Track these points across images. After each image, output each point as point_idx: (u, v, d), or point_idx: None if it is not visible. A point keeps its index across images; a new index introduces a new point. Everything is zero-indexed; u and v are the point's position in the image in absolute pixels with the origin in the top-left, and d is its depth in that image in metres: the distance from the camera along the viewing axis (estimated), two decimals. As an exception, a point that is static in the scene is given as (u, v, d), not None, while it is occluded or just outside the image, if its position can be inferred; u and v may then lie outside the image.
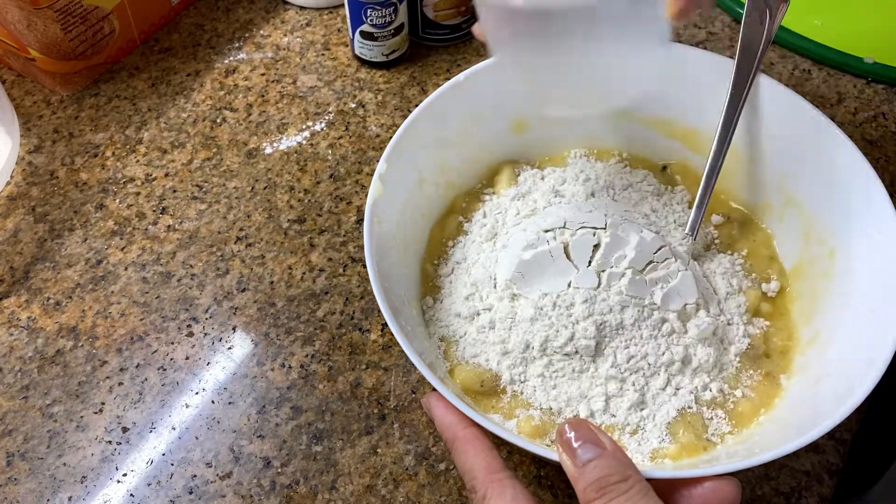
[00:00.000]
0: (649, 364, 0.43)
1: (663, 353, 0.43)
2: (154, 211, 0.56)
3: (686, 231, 0.48)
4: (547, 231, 0.45)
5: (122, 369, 0.48)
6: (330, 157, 0.58)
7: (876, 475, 0.50)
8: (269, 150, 0.59)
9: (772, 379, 0.44)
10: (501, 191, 0.51)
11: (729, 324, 0.46)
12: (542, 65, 0.35)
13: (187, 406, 0.47)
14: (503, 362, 0.43)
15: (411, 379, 0.48)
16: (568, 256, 0.44)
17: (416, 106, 0.47)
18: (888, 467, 0.50)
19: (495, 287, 0.45)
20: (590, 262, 0.43)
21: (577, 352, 0.42)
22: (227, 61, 0.64)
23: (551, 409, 0.43)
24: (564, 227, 0.44)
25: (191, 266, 0.53)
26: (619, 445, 0.35)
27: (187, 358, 0.49)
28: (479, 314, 0.45)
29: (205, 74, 0.63)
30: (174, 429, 0.46)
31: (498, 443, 0.37)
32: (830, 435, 0.42)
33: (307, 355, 0.49)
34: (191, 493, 0.44)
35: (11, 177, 0.57)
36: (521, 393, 0.43)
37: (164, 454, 0.46)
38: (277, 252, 0.53)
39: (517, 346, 0.43)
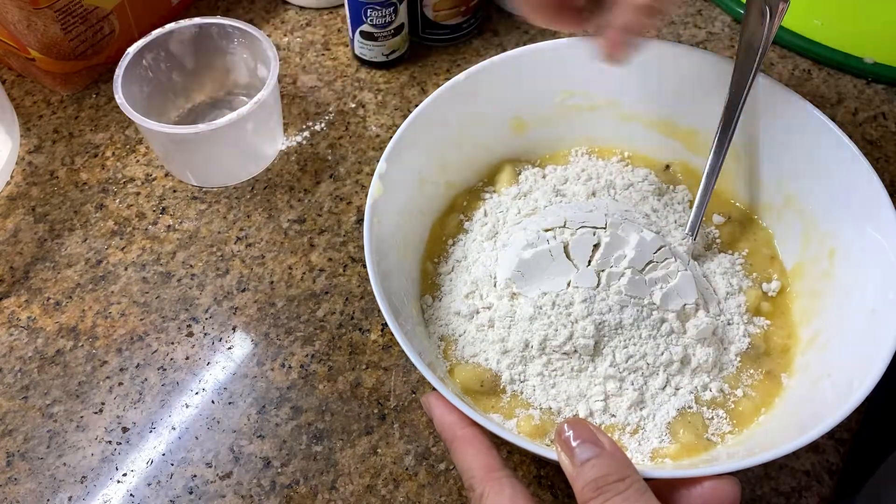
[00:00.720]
0: (648, 364, 0.43)
1: (662, 353, 0.43)
2: (154, 211, 0.56)
3: (686, 231, 0.48)
4: (547, 230, 0.45)
5: (122, 369, 0.49)
6: (330, 157, 0.58)
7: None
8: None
9: (773, 378, 0.44)
10: (502, 189, 0.51)
11: (729, 323, 0.46)
12: (186, 160, 0.56)
13: (187, 406, 0.47)
14: (503, 361, 0.43)
15: (411, 379, 0.48)
16: (568, 256, 0.44)
17: (416, 106, 0.47)
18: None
19: (495, 286, 0.45)
20: (589, 262, 0.43)
21: (575, 351, 0.42)
22: (227, 61, 0.64)
23: (551, 408, 0.43)
24: (565, 226, 0.44)
25: (191, 266, 0.53)
26: (617, 445, 0.35)
27: (187, 358, 0.49)
28: (478, 312, 0.45)
29: (205, 74, 0.63)
30: (174, 429, 0.46)
31: (498, 442, 0.37)
32: (830, 435, 0.42)
33: (307, 355, 0.49)
34: (191, 493, 0.44)
35: (11, 177, 0.57)
36: (521, 392, 0.43)
37: (164, 454, 0.46)
38: (277, 252, 0.53)
39: (516, 344, 0.43)
